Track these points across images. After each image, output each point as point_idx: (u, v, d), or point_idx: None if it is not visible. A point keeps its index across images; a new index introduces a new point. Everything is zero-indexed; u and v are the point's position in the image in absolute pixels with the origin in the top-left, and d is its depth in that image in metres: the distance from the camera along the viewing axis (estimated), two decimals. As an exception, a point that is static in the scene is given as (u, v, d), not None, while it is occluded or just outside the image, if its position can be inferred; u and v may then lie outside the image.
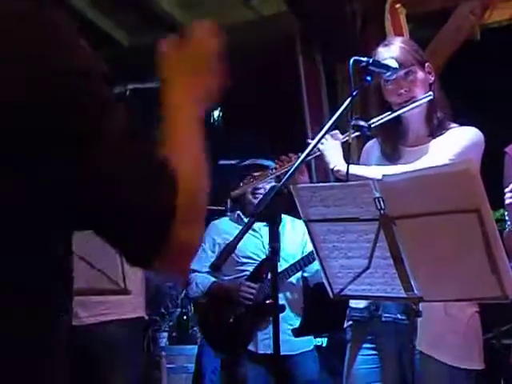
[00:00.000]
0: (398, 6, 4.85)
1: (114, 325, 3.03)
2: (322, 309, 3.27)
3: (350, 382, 2.53)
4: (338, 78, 5.26)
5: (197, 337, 5.37)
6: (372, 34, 4.87)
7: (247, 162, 4.12)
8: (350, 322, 2.58)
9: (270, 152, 5.37)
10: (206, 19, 1.22)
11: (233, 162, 5.77)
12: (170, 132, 1.11)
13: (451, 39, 4.91)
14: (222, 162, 5.84)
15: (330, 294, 2.22)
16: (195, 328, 5.44)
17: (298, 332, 3.73)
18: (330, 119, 2.33)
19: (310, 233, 2.17)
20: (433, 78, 2.57)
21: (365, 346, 2.52)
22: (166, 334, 5.39)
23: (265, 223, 3.95)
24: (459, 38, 4.94)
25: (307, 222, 2.16)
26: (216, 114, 6.90)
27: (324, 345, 4.25)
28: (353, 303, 2.55)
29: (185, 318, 5.46)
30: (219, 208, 5.71)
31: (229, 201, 5.54)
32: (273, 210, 2.10)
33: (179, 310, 5.46)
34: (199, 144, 1.12)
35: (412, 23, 4.89)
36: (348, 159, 2.45)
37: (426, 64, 2.56)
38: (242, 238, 2.12)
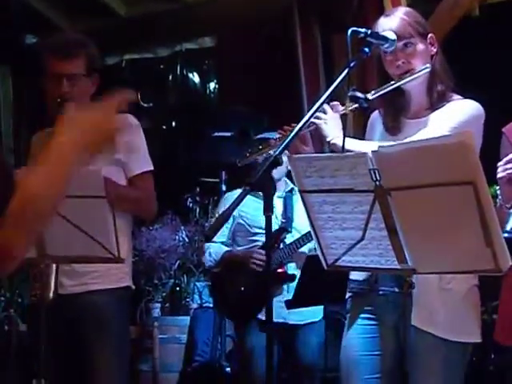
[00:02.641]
0: (396, -21, 4.81)
1: (100, 294, 3.02)
2: (315, 281, 3.28)
3: (348, 350, 2.54)
4: (335, 50, 5.23)
5: (189, 308, 5.39)
6: (370, 6, 4.84)
7: (258, 137, 4.15)
8: (350, 294, 2.58)
9: (267, 124, 5.36)
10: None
11: (227, 133, 5.75)
12: (47, 157, 1.32)
13: (449, 14, 4.88)
14: (216, 134, 5.82)
15: (324, 264, 2.22)
16: (188, 299, 5.45)
17: (291, 304, 3.74)
18: (326, 90, 2.31)
19: (304, 203, 2.16)
20: (435, 50, 2.52)
21: (363, 316, 2.52)
22: (158, 305, 5.40)
23: (278, 195, 4.02)
24: (457, 14, 4.90)
25: (302, 193, 2.15)
26: (212, 85, 6.85)
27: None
28: (353, 275, 2.55)
29: (178, 288, 5.47)
30: (214, 180, 5.71)
31: (223, 173, 5.53)
32: (267, 180, 2.09)
33: (172, 280, 5.47)
34: (62, 182, 1.32)
35: (410, -3, 4.85)
36: (344, 131, 2.43)
37: (429, 35, 2.51)
38: (235, 209, 2.11)
